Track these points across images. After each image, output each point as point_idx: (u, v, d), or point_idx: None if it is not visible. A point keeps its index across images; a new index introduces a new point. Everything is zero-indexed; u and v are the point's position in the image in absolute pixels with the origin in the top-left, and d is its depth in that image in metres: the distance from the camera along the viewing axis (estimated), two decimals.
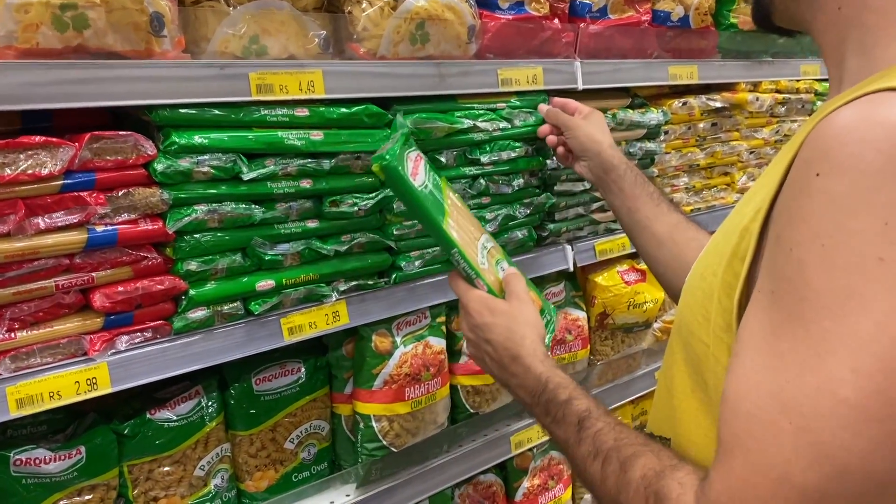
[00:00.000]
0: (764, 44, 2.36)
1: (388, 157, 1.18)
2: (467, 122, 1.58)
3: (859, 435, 0.62)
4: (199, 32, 1.32)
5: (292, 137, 1.36)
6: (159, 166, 1.23)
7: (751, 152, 2.46)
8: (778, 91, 2.47)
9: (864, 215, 0.64)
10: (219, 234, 1.33)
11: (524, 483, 2.07)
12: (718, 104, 2.22)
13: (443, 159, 1.58)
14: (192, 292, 1.32)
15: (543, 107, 1.74)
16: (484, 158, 1.64)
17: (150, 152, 1.22)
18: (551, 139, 1.70)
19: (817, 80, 2.60)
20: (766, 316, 0.72)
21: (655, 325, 2.33)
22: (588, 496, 2.33)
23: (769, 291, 0.73)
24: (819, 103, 2.62)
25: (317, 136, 1.39)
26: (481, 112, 1.64)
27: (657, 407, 1.06)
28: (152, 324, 1.30)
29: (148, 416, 1.41)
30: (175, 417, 1.44)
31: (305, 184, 1.41)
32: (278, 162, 1.36)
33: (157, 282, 1.28)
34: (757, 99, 2.32)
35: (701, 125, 2.24)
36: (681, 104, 2.15)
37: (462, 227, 1.29)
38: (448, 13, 1.52)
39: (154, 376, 1.29)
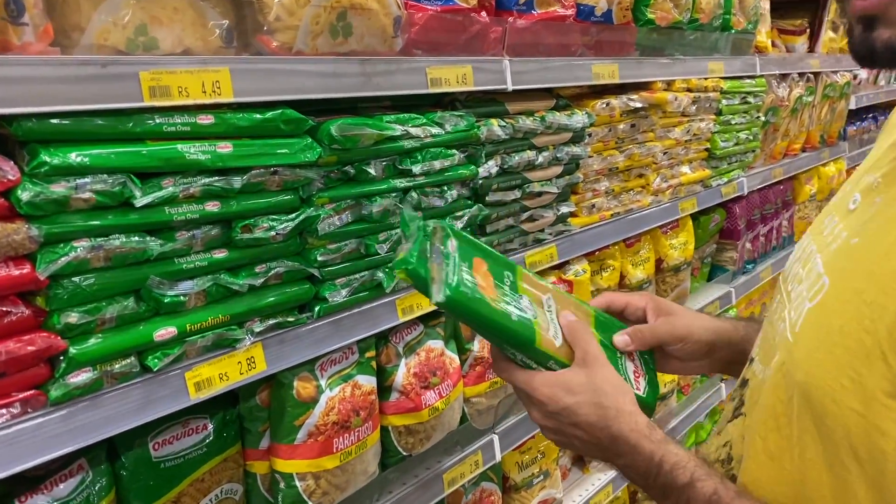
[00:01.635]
0: (677, 41, 2.29)
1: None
2: (399, 129, 1.37)
3: None
4: (70, 20, 1.04)
5: (195, 151, 1.11)
6: (25, 194, 0.94)
7: (664, 153, 2.38)
8: (689, 90, 2.41)
9: None
10: (106, 276, 1.05)
11: None
12: (638, 104, 2.12)
13: (371, 171, 1.36)
14: (72, 351, 1.04)
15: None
16: (416, 168, 1.43)
17: (11, 177, 0.93)
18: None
19: (723, 77, 2.58)
20: None
21: None
22: None
23: None
24: (724, 102, 2.60)
25: (225, 148, 1.14)
26: (411, 117, 1.43)
27: (757, 467, 0.89)
28: (21, 395, 1.01)
29: None
30: (53, 503, 1.15)
31: (212, 206, 1.16)
32: (178, 181, 1.10)
33: (25, 342, 0.98)
34: (675, 98, 2.24)
35: (621, 126, 2.13)
36: (603, 105, 2.03)
37: (542, 317, 1.03)
38: (372, 2, 1.30)
39: (25, 463, 1.00)
